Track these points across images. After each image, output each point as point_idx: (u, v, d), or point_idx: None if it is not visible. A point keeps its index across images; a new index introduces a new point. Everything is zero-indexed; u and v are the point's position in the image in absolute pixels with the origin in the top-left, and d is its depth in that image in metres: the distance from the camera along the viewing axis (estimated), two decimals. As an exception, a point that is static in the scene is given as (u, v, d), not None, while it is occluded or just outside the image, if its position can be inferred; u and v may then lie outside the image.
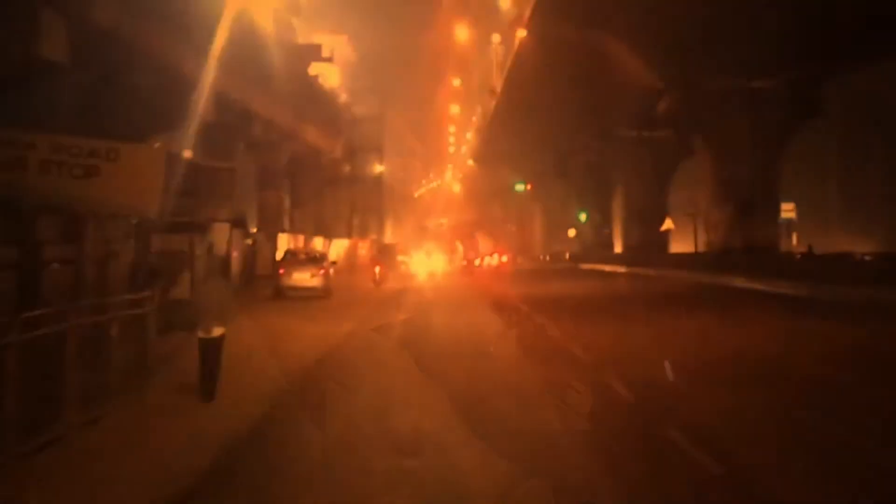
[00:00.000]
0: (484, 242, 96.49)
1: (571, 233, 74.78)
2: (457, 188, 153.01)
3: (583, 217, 70.55)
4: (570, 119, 59.93)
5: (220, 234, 25.59)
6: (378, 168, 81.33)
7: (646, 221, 57.04)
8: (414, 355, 15.92)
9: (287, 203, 54.81)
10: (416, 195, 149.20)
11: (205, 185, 20.95)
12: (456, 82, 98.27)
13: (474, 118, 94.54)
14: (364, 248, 62.37)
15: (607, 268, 59.00)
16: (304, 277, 31.50)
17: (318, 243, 49.06)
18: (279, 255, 35.86)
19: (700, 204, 46.84)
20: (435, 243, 69.00)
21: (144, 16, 26.27)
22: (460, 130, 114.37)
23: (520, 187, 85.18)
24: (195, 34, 28.84)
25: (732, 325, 21.46)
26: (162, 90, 27.27)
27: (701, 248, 47.19)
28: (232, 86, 34.22)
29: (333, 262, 37.44)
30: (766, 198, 43.17)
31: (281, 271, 32.01)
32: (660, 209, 55.68)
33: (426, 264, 54.59)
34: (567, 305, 28.58)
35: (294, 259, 33.28)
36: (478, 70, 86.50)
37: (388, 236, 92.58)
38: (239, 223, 30.96)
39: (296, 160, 53.30)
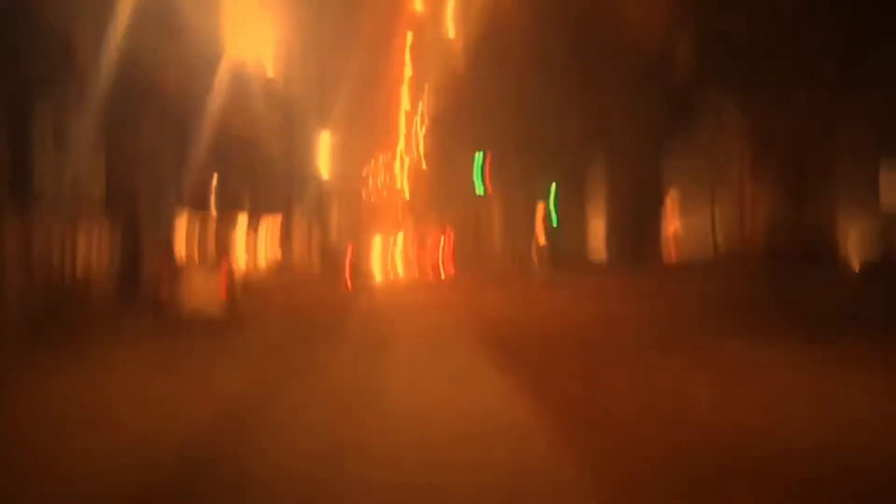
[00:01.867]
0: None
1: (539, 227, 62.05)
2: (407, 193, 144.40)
3: (551, 193, 56.76)
4: (550, 74, 50.57)
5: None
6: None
7: (637, 209, 44.11)
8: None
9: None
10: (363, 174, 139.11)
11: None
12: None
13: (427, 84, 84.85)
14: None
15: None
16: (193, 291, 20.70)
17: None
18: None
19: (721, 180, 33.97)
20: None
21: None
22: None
23: (480, 188, 73.62)
24: None
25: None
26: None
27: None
28: None
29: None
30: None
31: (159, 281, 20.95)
32: (658, 189, 43.07)
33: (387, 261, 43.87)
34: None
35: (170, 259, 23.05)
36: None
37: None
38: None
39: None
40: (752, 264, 26.69)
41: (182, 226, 29.32)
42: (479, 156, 71.60)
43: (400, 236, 73.94)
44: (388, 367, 13.89)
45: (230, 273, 21.74)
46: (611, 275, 36.67)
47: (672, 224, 37.44)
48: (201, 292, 19.57)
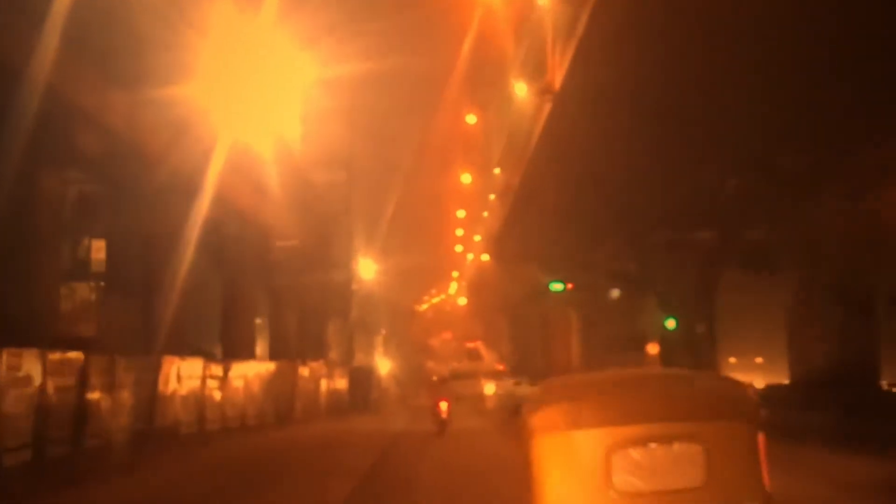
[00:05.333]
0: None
1: (653, 349, 56.44)
2: (463, 301, 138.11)
3: (670, 324, 52.24)
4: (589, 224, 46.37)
5: None
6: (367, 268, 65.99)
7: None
8: None
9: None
10: (419, 308, 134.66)
11: None
12: (466, 179, 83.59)
13: (485, 213, 79.44)
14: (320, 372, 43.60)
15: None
16: None
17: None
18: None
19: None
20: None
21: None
22: (468, 233, 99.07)
23: (557, 287, 67.54)
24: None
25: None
26: None
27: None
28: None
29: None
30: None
31: None
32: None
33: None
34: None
35: None
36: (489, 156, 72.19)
37: (374, 358, 75.88)
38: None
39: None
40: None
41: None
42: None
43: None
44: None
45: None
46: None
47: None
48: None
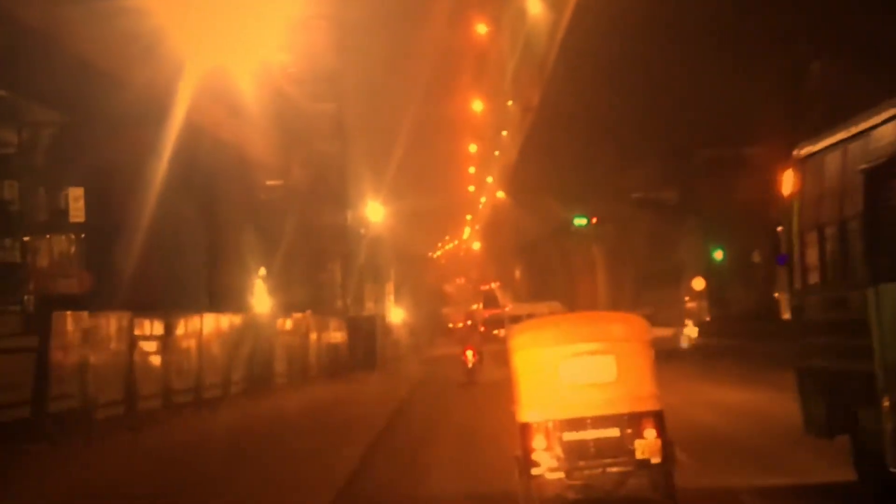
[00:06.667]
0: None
1: (698, 284, 50.32)
2: (477, 246, 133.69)
3: (718, 255, 46.31)
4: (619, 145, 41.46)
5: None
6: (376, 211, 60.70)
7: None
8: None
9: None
10: (433, 255, 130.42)
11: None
12: (477, 106, 77.86)
13: (497, 153, 73.95)
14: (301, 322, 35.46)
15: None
16: None
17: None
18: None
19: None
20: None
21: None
22: (479, 173, 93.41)
23: (580, 221, 61.74)
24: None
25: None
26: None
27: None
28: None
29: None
30: None
31: None
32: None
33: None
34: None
35: None
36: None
37: (386, 307, 71.08)
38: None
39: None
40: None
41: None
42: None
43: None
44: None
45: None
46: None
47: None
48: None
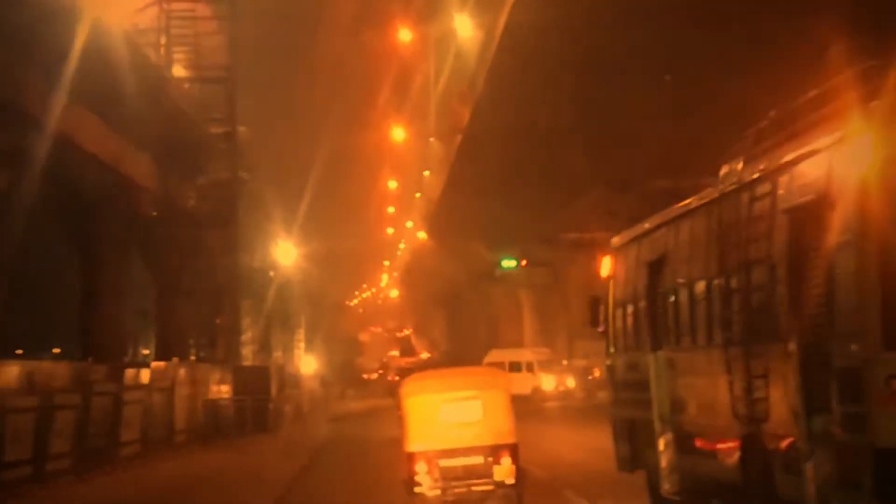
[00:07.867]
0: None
1: None
2: (395, 293, 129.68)
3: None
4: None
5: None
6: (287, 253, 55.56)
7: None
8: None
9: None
10: (350, 303, 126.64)
11: None
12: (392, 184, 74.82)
13: (418, 195, 69.50)
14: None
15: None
16: None
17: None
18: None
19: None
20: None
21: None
22: (399, 216, 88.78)
23: (509, 264, 57.18)
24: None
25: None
26: None
27: None
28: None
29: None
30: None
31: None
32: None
33: None
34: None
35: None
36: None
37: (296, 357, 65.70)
38: None
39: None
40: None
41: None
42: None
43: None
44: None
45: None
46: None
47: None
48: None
